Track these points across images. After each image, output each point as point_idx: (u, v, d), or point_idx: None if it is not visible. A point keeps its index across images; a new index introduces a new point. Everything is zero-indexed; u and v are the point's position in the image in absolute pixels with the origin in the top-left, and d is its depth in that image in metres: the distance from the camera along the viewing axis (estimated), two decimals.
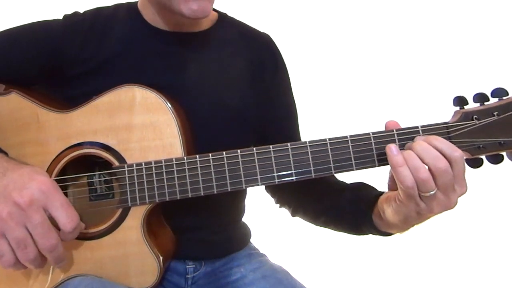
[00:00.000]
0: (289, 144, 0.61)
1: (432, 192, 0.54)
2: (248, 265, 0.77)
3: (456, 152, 0.54)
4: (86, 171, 0.69)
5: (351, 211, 0.69)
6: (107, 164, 0.66)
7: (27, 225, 0.55)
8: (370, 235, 0.69)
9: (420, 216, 0.58)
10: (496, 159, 0.59)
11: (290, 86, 0.84)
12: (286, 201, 0.82)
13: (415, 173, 0.54)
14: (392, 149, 0.56)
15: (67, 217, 0.57)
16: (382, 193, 0.66)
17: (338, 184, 0.76)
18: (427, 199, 0.55)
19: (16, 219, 0.55)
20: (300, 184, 0.62)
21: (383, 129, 0.60)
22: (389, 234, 0.66)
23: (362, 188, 0.71)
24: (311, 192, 0.76)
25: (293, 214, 0.82)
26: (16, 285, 0.65)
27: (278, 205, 0.84)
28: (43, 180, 0.57)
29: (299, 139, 0.82)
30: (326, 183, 0.75)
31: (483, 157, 0.59)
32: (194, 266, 0.75)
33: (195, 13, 0.65)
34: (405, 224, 0.61)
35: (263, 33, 0.84)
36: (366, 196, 0.68)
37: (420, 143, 0.55)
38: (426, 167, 0.54)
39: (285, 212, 0.84)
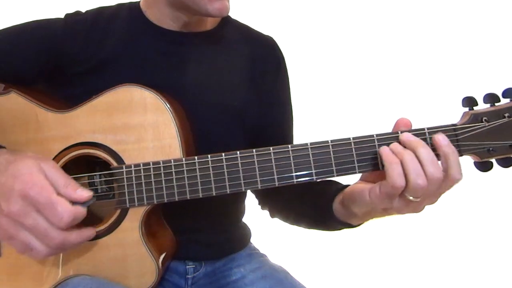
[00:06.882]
0: (289, 146, 0.56)
1: (418, 199, 0.50)
2: (248, 265, 0.74)
3: (459, 176, 0.50)
4: (87, 170, 0.65)
5: (314, 202, 0.65)
6: (107, 164, 0.62)
7: (25, 230, 0.52)
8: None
9: (384, 213, 0.55)
10: (506, 163, 0.54)
11: (289, 90, 0.80)
12: (265, 202, 0.78)
13: (414, 177, 0.49)
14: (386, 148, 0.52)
15: (55, 217, 0.51)
16: (347, 186, 0.61)
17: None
18: (403, 201, 0.51)
19: (13, 227, 0.52)
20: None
21: (387, 130, 0.56)
22: (350, 226, 0.61)
23: (328, 183, 0.65)
24: (281, 193, 0.72)
25: (271, 215, 0.78)
26: (17, 285, 0.61)
27: (260, 206, 0.80)
28: (24, 180, 0.52)
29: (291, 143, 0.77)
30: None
31: (493, 160, 0.54)
32: (194, 266, 0.71)
33: (221, 12, 0.64)
34: (367, 216, 0.58)
35: (267, 35, 0.80)
36: (331, 185, 0.64)
37: (427, 151, 0.50)
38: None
39: None
